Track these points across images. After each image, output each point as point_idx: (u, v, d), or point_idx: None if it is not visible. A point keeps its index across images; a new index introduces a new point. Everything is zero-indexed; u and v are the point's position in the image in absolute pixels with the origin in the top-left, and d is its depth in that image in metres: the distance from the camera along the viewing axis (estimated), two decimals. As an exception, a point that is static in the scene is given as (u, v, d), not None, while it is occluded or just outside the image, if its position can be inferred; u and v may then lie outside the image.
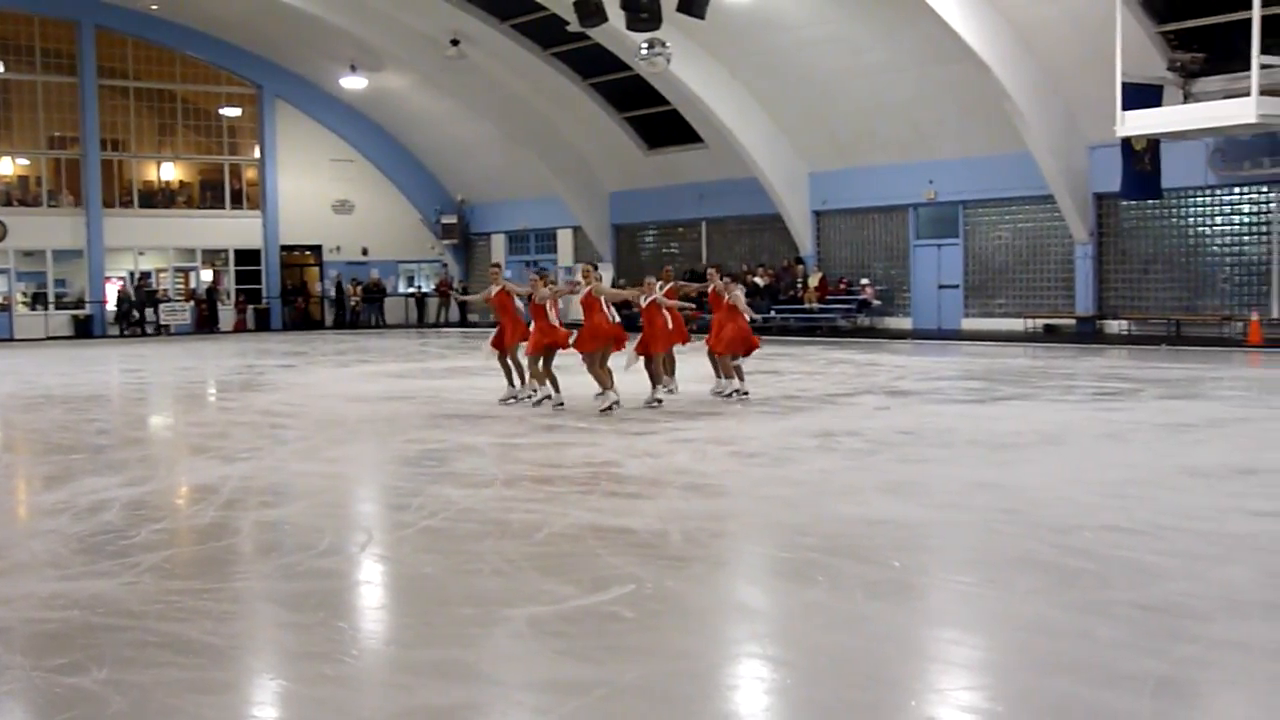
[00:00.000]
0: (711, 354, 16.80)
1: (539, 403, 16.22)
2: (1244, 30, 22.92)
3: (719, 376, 16.72)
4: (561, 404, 15.93)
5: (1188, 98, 25.02)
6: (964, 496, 9.67)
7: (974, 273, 30.83)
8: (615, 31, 28.58)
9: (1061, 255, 29.33)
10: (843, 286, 33.45)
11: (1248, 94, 22.99)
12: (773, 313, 33.92)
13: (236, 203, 43.99)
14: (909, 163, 31.56)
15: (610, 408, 15.20)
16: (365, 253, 45.66)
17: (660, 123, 36.91)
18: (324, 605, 6.83)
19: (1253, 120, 23.22)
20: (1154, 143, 25.87)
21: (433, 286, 46.01)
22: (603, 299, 15.65)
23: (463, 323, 44.37)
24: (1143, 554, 7.63)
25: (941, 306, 32.00)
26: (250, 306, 43.53)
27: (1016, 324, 29.73)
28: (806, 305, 33.54)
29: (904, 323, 32.60)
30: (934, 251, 32.08)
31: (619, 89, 36.53)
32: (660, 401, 15.88)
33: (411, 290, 46.51)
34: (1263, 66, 22.94)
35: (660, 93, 34.36)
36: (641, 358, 16.03)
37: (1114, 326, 28.55)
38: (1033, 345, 26.44)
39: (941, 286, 31.95)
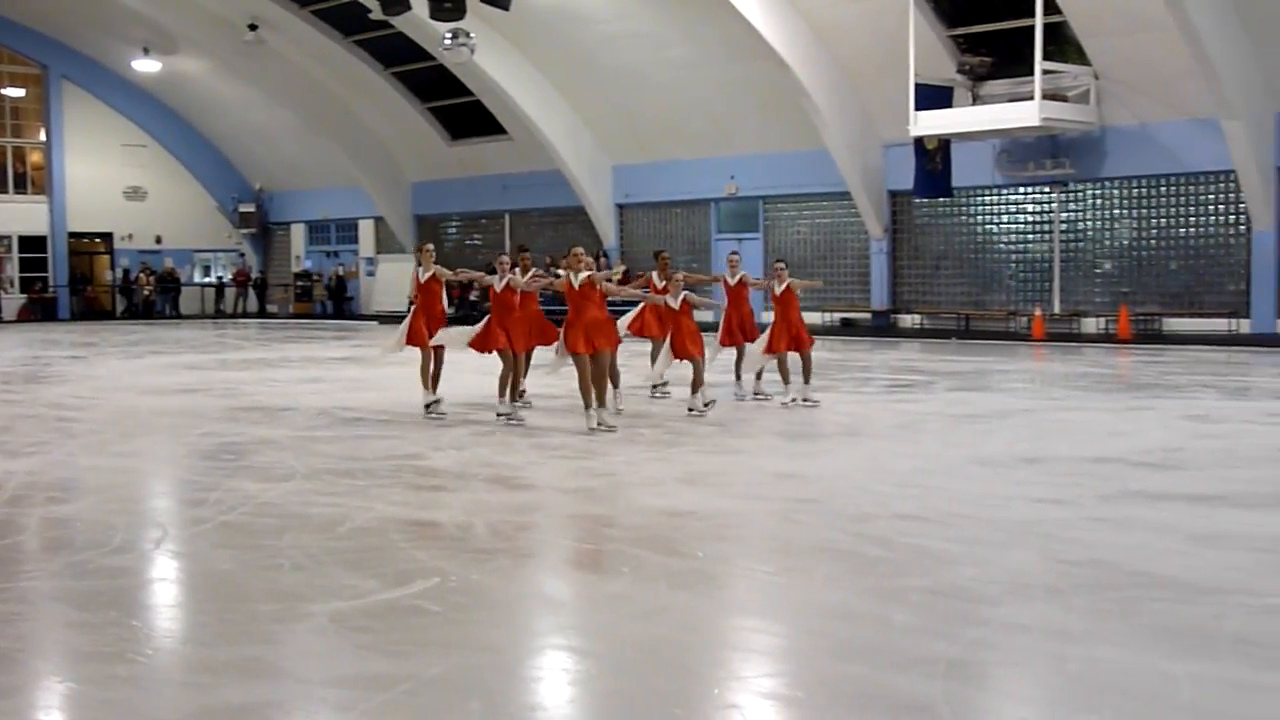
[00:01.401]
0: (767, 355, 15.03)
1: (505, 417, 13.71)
2: (1028, 36, 23.82)
3: (785, 381, 14.99)
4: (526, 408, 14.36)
5: (976, 100, 25.92)
6: (765, 487, 9.84)
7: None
8: (418, 21, 28.32)
9: (858, 251, 30.05)
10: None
11: (1031, 98, 23.92)
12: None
13: (20, 187, 42.18)
14: (711, 157, 31.95)
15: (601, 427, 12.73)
16: (159, 241, 44.27)
17: (464, 114, 36.64)
18: (116, 604, 6.60)
19: (1036, 123, 24.20)
20: (945, 143, 26.71)
21: (230, 276, 44.88)
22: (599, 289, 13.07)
23: (261, 314, 43.42)
24: (935, 541, 7.86)
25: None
26: (39, 295, 41.78)
27: (815, 317, 30.38)
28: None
29: (704, 316, 32.94)
30: (735, 245, 32.52)
31: (422, 79, 36.14)
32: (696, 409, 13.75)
33: (208, 280, 45.29)
34: (1045, 72, 23.90)
35: (464, 83, 34.13)
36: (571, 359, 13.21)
37: (908, 320, 29.39)
38: (831, 338, 27.02)
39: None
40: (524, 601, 6.83)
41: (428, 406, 14.20)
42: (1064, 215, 26.88)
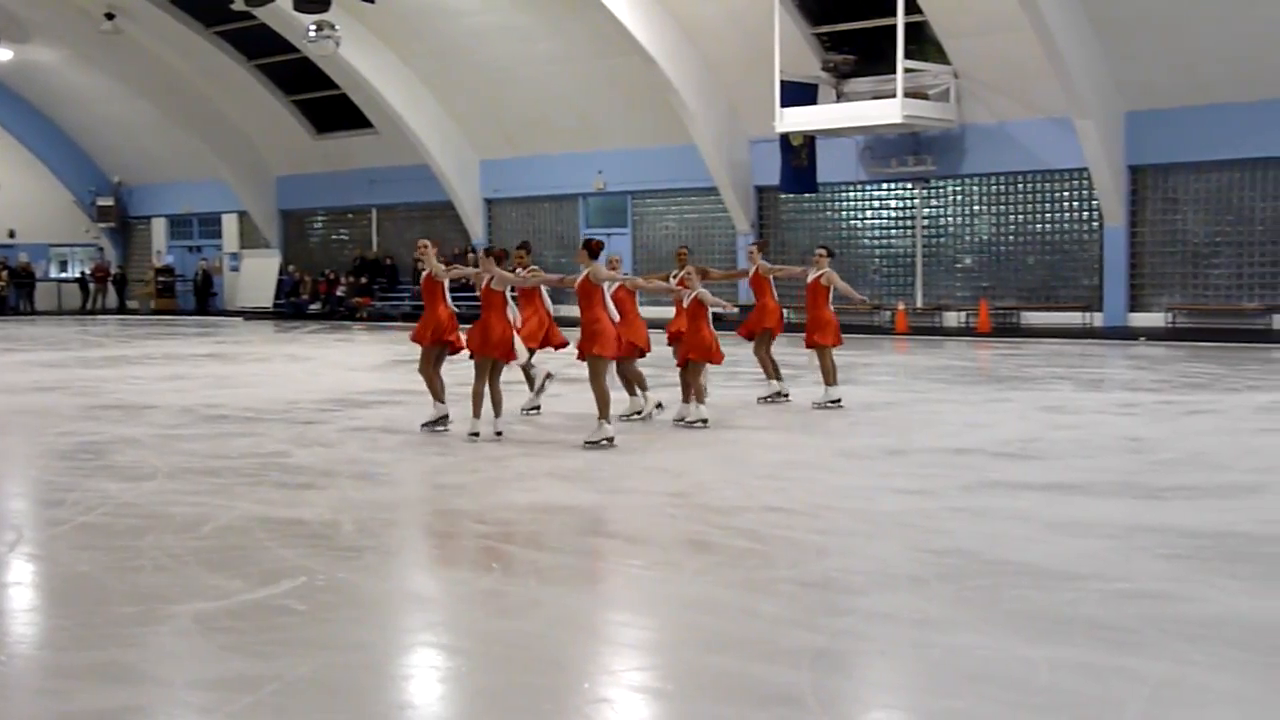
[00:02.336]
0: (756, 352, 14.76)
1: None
2: (891, 35, 24.21)
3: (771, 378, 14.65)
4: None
5: (840, 97, 26.29)
6: (634, 481, 9.88)
7: (643, 262, 31.41)
8: (282, 12, 27.87)
9: (725, 245, 30.25)
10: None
11: (894, 96, 24.33)
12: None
13: None
14: (579, 152, 31.94)
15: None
16: (12, 235, 42.96)
17: (329, 107, 36.14)
18: (-31, 610, 6.41)
19: (898, 120, 24.60)
20: (810, 139, 27.03)
21: (89, 271, 43.71)
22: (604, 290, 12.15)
23: (122, 310, 42.42)
24: (802, 533, 7.97)
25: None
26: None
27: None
28: (478, 292, 33.42)
29: (573, 310, 32.90)
30: (604, 239, 32.54)
31: (286, 71, 35.57)
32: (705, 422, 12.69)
33: (65, 275, 44.04)
34: (906, 70, 24.32)
35: (329, 76, 33.68)
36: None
37: (774, 315, 29.62)
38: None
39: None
40: (392, 599, 6.77)
41: (436, 423, 12.50)
42: (926, 211, 27.38)
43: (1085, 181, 24.91)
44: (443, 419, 12.46)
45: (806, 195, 28.36)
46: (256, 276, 39.81)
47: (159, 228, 43.76)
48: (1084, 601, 6.31)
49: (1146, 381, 16.65)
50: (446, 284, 13.01)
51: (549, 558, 7.42)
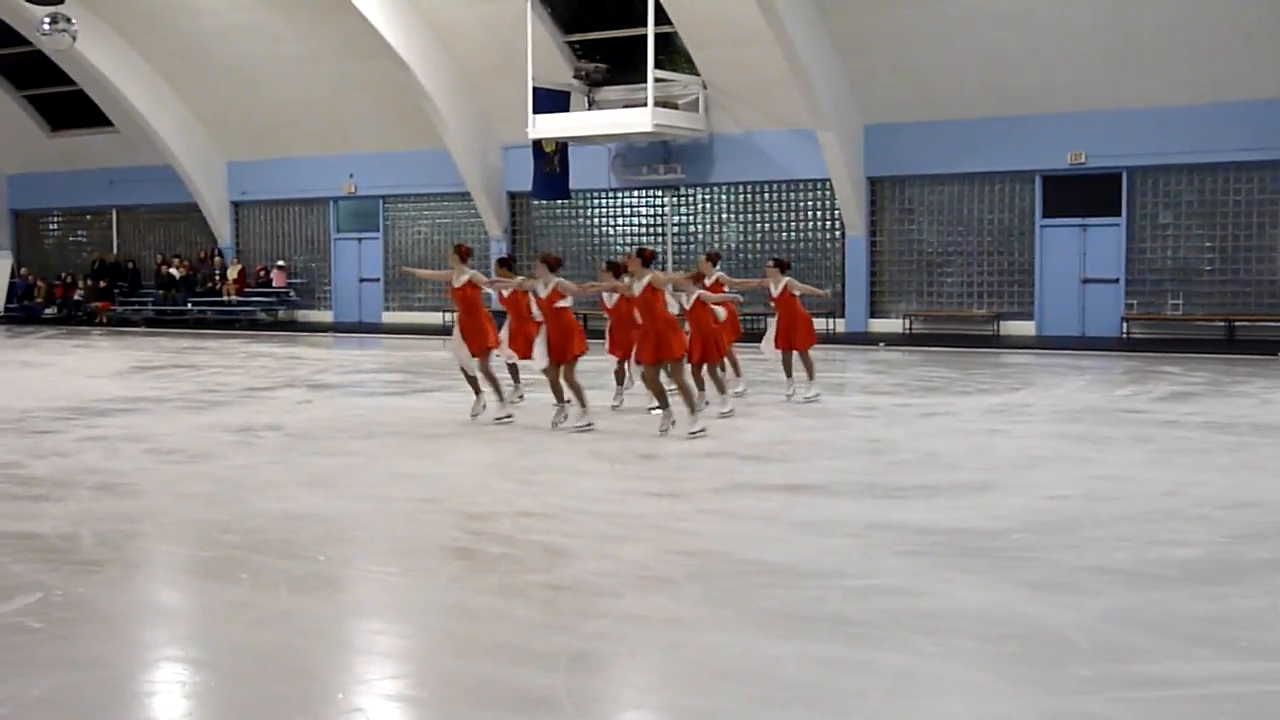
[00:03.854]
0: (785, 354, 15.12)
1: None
2: (641, 45, 24.55)
3: (788, 376, 15.17)
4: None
5: (592, 105, 26.51)
6: (387, 488, 9.77)
7: (394, 267, 31.10)
8: (13, 2, 26.63)
9: (477, 252, 30.01)
10: (260, 272, 32.77)
11: (645, 104, 24.66)
12: (189, 305, 32.81)
13: None
14: (329, 155, 31.38)
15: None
16: None
17: (65, 103, 34.57)
18: None
19: (649, 129, 24.93)
20: (563, 146, 27.18)
21: None
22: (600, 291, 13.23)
23: None
24: (556, 537, 8.01)
25: (363, 300, 32.09)
26: None
27: (435, 317, 30.28)
28: (225, 298, 32.62)
29: (325, 316, 32.41)
30: (355, 245, 32.11)
31: (18, 64, 33.90)
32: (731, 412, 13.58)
33: None
34: (657, 80, 24.69)
35: (65, 72, 32.26)
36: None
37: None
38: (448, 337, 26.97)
39: (363, 280, 32.04)
40: (135, 613, 6.54)
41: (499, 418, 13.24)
42: (675, 219, 27.83)
43: (828, 192, 25.71)
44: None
45: (559, 201, 28.50)
46: (-14, 280, 37.84)
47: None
48: (827, 598, 6.53)
49: (885, 385, 17.27)
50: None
51: (299, 566, 7.28)
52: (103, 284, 34.69)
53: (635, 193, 28.20)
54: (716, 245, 27.09)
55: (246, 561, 7.38)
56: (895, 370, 19.37)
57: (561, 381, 12.75)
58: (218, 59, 30.37)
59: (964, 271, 25.13)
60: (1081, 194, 23.89)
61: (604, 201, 28.69)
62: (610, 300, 13.40)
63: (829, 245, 26.29)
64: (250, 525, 8.36)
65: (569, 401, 12.83)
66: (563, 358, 12.64)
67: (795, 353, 15.11)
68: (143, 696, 5.36)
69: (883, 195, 25.65)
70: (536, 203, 28.90)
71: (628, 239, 28.37)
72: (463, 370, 13.80)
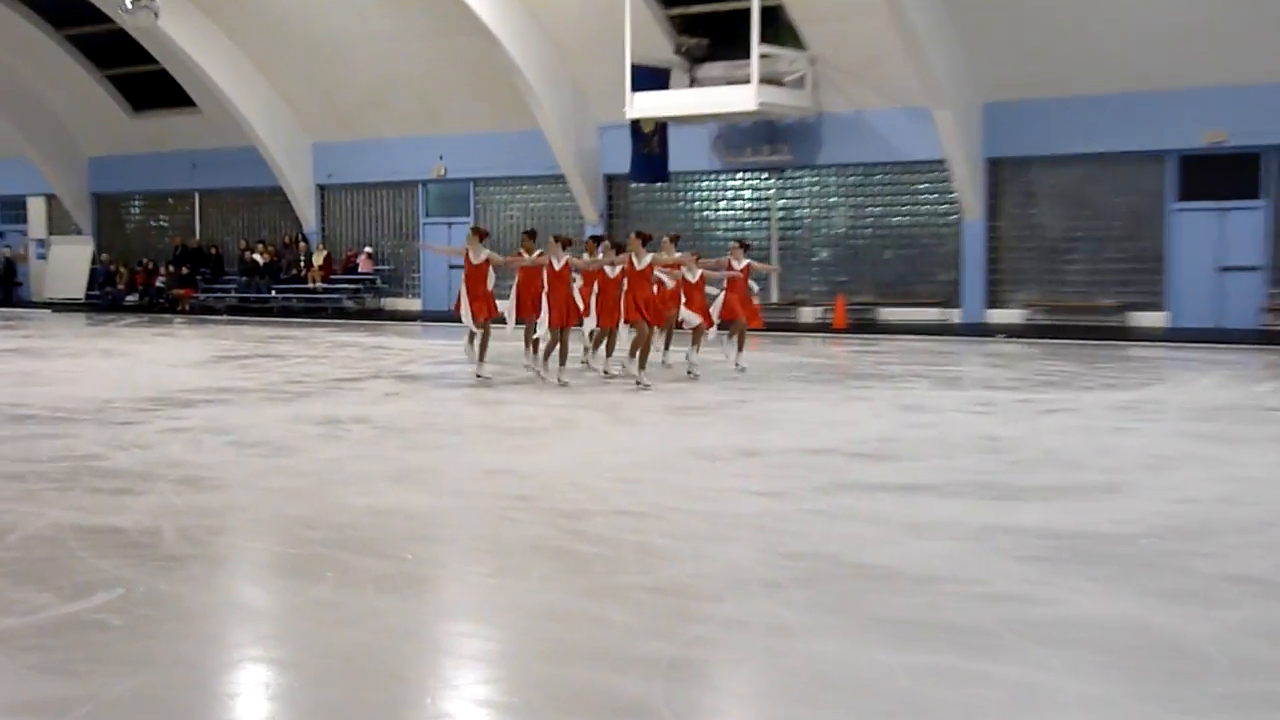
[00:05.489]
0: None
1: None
2: (745, 19, 24.45)
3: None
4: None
5: (694, 83, 26.46)
6: (476, 484, 9.85)
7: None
8: (95, -20, 27.18)
9: (573, 236, 30.22)
10: (349, 257, 33.19)
11: (748, 81, 24.56)
12: (273, 292, 33.33)
13: None
14: (418, 137, 31.70)
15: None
16: None
17: (148, 83, 35.25)
18: None
19: (753, 108, 24.86)
20: (662, 126, 27.18)
21: None
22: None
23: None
24: (652, 537, 8.01)
25: (453, 288, 32.29)
26: None
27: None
28: (310, 285, 33.08)
29: (414, 304, 32.73)
30: (445, 230, 32.37)
31: (100, 43, 34.62)
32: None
33: None
34: (762, 56, 24.57)
35: (148, 50, 32.88)
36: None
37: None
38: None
39: (453, 267, 32.29)
40: (218, 611, 6.65)
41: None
42: (781, 202, 27.73)
43: (943, 174, 25.46)
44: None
45: (658, 185, 28.51)
46: (66, 265, 38.73)
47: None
48: (941, 605, 6.46)
49: (1003, 379, 17.08)
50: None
51: (386, 565, 7.36)
52: (185, 270, 35.34)
53: (738, 175, 28.15)
54: (825, 231, 26.96)
55: (332, 559, 7.48)
56: (1014, 364, 19.15)
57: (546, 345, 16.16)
58: (303, 36, 30.77)
59: (1089, 259, 24.78)
60: (1219, 175, 23.43)
61: (705, 184, 28.66)
62: (612, 273, 15.98)
63: (944, 231, 26.05)
64: (336, 521, 8.46)
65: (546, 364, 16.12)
66: (566, 323, 15.96)
67: (741, 324, 17.72)
68: (224, 697, 5.44)
69: (1002, 177, 25.35)
70: (634, 186, 28.94)
71: (730, 224, 28.31)
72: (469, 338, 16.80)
